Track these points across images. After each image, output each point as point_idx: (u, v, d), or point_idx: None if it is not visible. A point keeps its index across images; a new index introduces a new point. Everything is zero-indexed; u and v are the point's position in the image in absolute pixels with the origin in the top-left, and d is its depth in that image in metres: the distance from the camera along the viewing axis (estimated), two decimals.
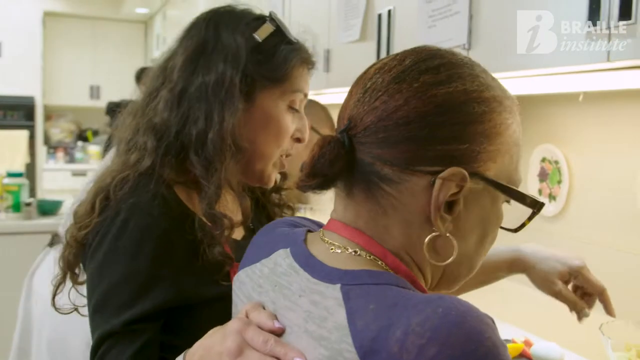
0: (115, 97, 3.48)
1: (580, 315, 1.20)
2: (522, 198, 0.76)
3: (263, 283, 0.80)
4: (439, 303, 0.62)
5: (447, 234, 0.73)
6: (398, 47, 1.96)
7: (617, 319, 1.37)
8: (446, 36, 1.73)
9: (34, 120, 7.05)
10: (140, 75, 3.51)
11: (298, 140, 1.20)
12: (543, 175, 1.98)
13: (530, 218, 0.79)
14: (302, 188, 0.75)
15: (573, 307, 1.20)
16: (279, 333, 0.73)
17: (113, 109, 3.22)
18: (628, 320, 1.41)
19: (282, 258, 0.79)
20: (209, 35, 1.14)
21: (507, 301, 1.63)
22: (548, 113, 1.94)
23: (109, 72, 7.42)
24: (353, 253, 0.74)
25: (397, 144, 0.71)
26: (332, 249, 0.75)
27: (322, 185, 0.74)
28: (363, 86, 0.76)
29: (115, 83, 6.95)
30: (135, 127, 1.14)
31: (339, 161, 0.73)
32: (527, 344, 1.38)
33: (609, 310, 1.21)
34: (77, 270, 1.13)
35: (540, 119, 2.01)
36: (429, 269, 0.76)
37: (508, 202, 0.78)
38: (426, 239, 0.73)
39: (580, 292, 1.21)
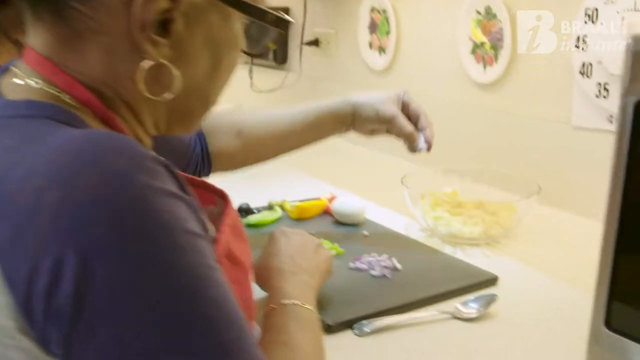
0: None
1: (414, 147, 1.10)
2: (261, 14, 0.62)
3: None
4: (79, 138, 0.49)
5: (164, 62, 0.57)
6: None
7: (426, 168, 1.29)
8: None
9: None
10: None
11: None
12: (373, 27, 1.84)
13: (274, 38, 0.67)
14: None
15: (409, 136, 1.10)
16: None
17: None
18: (437, 168, 1.35)
19: None
20: None
21: (317, 156, 1.53)
22: None
23: None
24: (34, 84, 0.58)
25: None
26: (15, 78, 0.59)
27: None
28: None
29: None
30: None
31: None
32: (332, 200, 1.30)
33: (430, 133, 1.10)
34: None
35: None
36: (147, 106, 0.61)
37: (251, 23, 0.64)
38: (139, 70, 0.57)
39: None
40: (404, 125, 1.09)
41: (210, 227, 0.66)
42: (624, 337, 0.67)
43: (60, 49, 0.58)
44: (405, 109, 1.11)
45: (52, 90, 0.57)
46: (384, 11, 1.78)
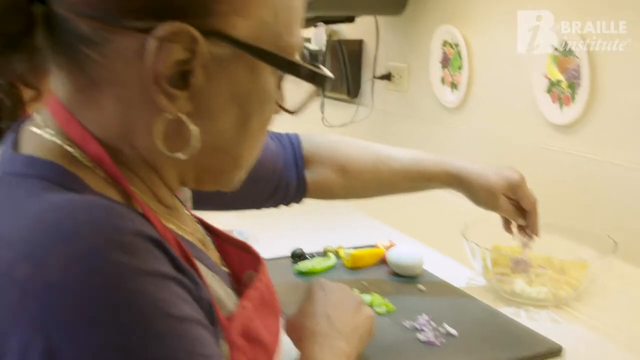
0: None
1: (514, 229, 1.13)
2: (294, 68, 0.57)
3: None
4: (57, 207, 0.46)
5: (182, 116, 0.53)
6: None
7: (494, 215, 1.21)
8: None
9: None
10: None
11: None
12: (445, 62, 1.77)
13: (312, 95, 0.61)
14: None
15: (514, 219, 1.11)
16: None
17: None
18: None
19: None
20: None
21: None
22: None
23: None
24: (48, 135, 0.56)
25: None
26: (34, 126, 0.57)
27: (5, 48, 0.54)
28: None
29: None
30: None
31: (17, 14, 0.52)
32: (390, 248, 1.23)
33: (534, 228, 1.11)
34: None
35: None
36: (170, 161, 0.57)
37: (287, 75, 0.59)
38: (156, 124, 0.54)
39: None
40: (509, 212, 1.10)
41: (229, 302, 0.61)
42: None
43: (77, 98, 0.55)
44: (516, 194, 1.09)
45: (62, 144, 0.54)
46: (456, 45, 1.70)
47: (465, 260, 1.17)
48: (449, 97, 1.76)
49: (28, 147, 0.55)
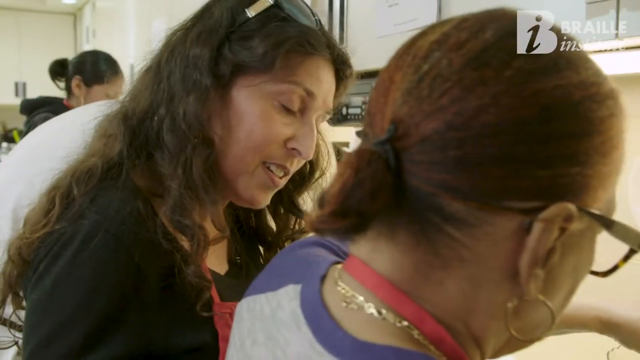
0: (44, 94, 3.12)
1: None
2: (626, 235, 0.53)
3: (258, 329, 0.58)
4: None
5: (541, 298, 0.50)
6: (353, 29, 1.72)
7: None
8: (411, 15, 1.50)
9: None
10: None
11: (295, 151, 0.90)
12: None
13: (626, 258, 0.56)
14: (324, 232, 0.48)
15: None
16: None
17: (30, 108, 2.86)
18: None
19: (288, 299, 0.57)
20: (205, 10, 0.94)
21: None
22: None
23: (36, 67, 6.87)
24: (377, 314, 0.51)
25: (477, 166, 0.46)
26: (347, 301, 0.52)
27: (357, 228, 0.48)
28: (416, 69, 0.49)
29: (42, 79, 6.40)
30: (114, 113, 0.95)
31: (384, 191, 0.47)
32: None
33: None
34: (21, 292, 0.88)
35: None
36: (493, 338, 0.53)
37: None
38: (509, 306, 0.50)
39: None
40: None
41: None
42: None
43: (413, 275, 0.51)
44: None
45: (400, 324, 0.50)
46: None
47: None
48: None
49: (362, 329, 0.50)
